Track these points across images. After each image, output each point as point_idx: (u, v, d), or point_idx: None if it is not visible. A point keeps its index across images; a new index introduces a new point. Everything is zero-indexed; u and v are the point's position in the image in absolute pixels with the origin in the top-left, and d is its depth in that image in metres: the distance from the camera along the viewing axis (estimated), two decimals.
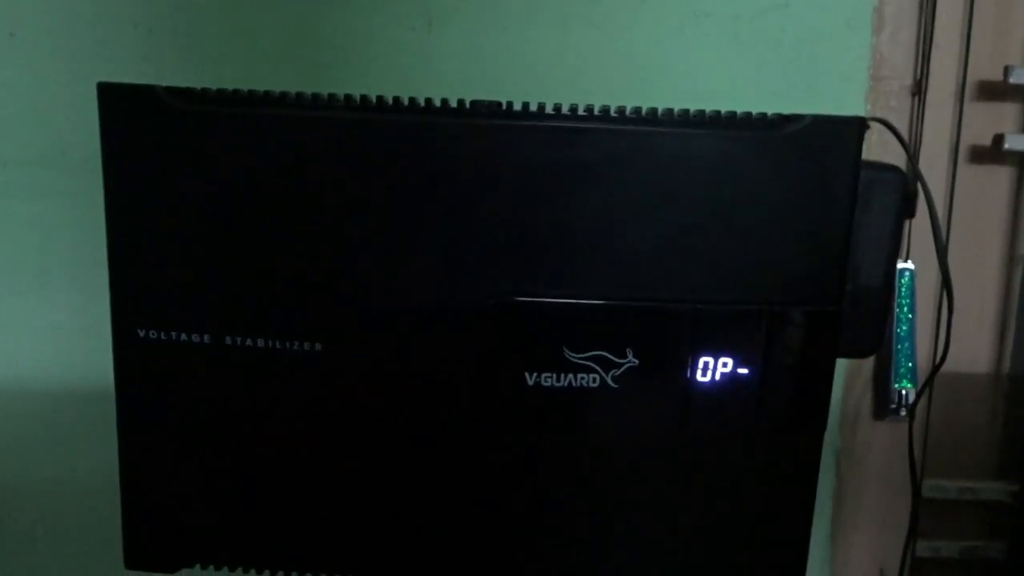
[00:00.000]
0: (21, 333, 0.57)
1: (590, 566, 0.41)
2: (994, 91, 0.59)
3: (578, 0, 0.54)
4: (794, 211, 0.37)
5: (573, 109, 0.36)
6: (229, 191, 0.37)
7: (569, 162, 0.36)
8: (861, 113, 0.36)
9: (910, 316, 0.56)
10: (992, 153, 0.59)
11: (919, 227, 0.55)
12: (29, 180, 0.56)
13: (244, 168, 0.36)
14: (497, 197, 0.37)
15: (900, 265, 0.56)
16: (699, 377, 0.38)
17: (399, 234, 0.37)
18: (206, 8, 0.54)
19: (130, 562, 0.41)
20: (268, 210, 0.37)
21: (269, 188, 0.37)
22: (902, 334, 0.56)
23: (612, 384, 0.38)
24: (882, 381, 0.60)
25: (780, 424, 0.39)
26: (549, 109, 0.36)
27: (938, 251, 0.45)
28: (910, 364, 0.57)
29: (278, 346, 0.38)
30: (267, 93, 0.36)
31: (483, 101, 0.36)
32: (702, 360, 0.38)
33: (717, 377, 0.39)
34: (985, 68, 0.58)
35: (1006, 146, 0.57)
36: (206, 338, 0.38)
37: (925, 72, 0.56)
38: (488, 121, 0.36)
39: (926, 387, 0.54)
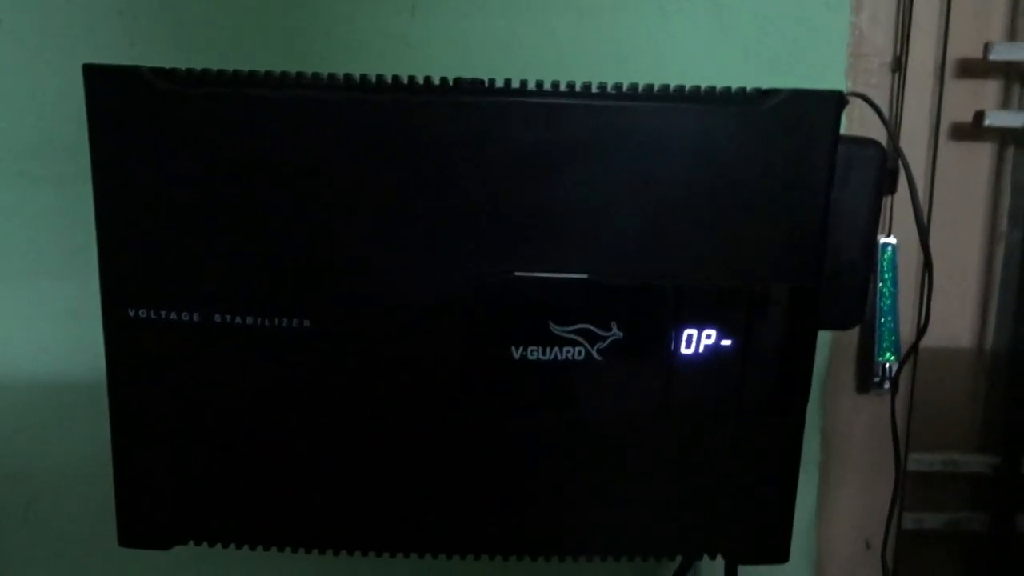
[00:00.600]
0: (11, 319, 0.58)
1: (576, 537, 0.42)
2: (974, 68, 0.59)
3: None
4: (773, 185, 0.38)
5: (555, 86, 0.37)
6: (215, 170, 0.37)
7: (551, 138, 0.37)
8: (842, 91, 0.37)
9: (893, 290, 0.56)
10: (973, 130, 0.60)
11: (902, 202, 0.55)
12: (16, 167, 0.56)
13: (230, 147, 0.37)
14: (482, 174, 0.37)
15: (883, 240, 0.56)
16: (683, 350, 0.39)
17: (385, 211, 0.37)
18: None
19: (124, 540, 0.41)
20: (255, 188, 0.37)
21: (255, 167, 0.37)
22: (885, 308, 0.56)
23: (597, 357, 0.39)
24: (865, 355, 0.61)
25: (763, 397, 0.40)
26: (531, 86, 0.37)
27: (918, 225, 0.45)
28: (893, 337, 0.57)
29: (267, 323, 0.38)
30: (252, 73, 0.37)
31: (467, 79, 0.36)
32: (685, 333, 0.39)
33: (701, 350, 0.39)
34: (965, 45, 0.58)
35: (986, 123, 0.58)
36: (195, 316, 0.38)
37: (905, 49, 0.56)
38: (471, 98, 0.37)
39: (908, 357, 0.55)
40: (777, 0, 0.55)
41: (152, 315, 0.38)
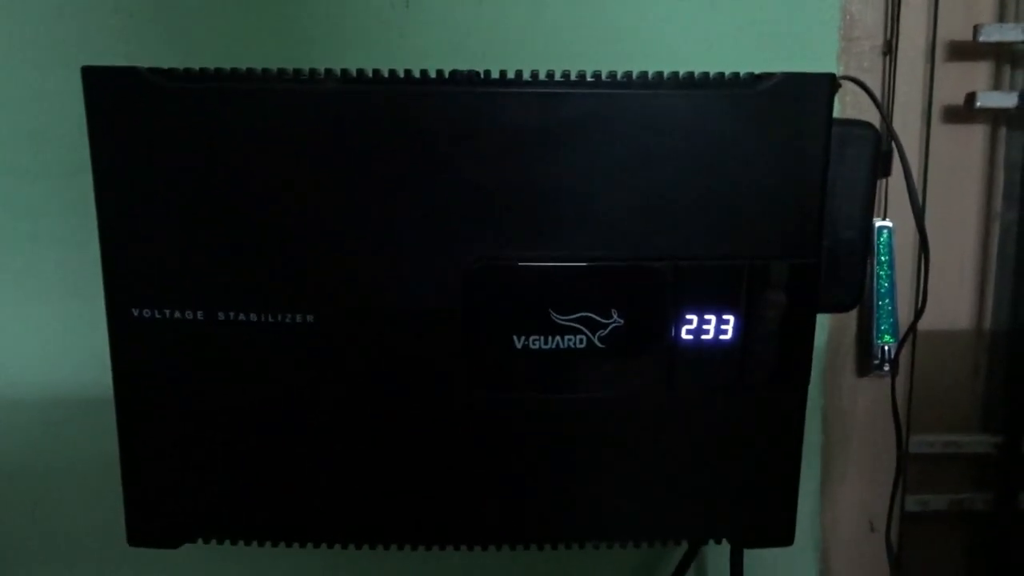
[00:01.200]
0: (16, 320, 0.58)
1: (580, 525, 0.42)
2: (964, 51, 0.60)
3: None
4: (769, 167, 0.38)
5: (550, 75, 0.37)
6: (214, 167, 0.37)
7: (547, 127, 0.37)
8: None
9: (890, 272, 0.57)
10: (965, 112, 0.60)
11: (896, 186, 0.56)
12: (15, 169, 0.56)
13: (228, 144, 0.37)
14: (479, 164, 0.37)
15: (878, 223, 0.57)
16: (683, 334, 0.39)
17: (384, 203, 0.38)
18: None
19: (133, 539, 0.42)
20: (255, 184, 0.37)
21: (254, 162, 0.37)
22: (883, 291, 0.57)
23: (599, 344, 0.39)
24: (864, 338, 0.61)
25: (764, 378, 0.40)
26: (526, 76, 0.37)
27: (913, 206, 0.46)
28: (891, 320, 0.58)
29: (270, 319, 0.38)
30: (249, 70, 0.37)
31: (462, 71, 0.37)
32: (686, 317, 0.39)
33: (701, 333, 0.40)
34: (955, 27, 0.59)
35: (978, 104, 0.58)
36: (199, 314, 0.39)
37: (895, 32, 0.56)
38: (467, 89, 0.37)
39: (907, 337, 0.56)
40: None
41: (156, 314, 0.39)
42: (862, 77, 0.50)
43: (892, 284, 0.57)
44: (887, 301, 0.57)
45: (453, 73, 0.37)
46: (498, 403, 0.40)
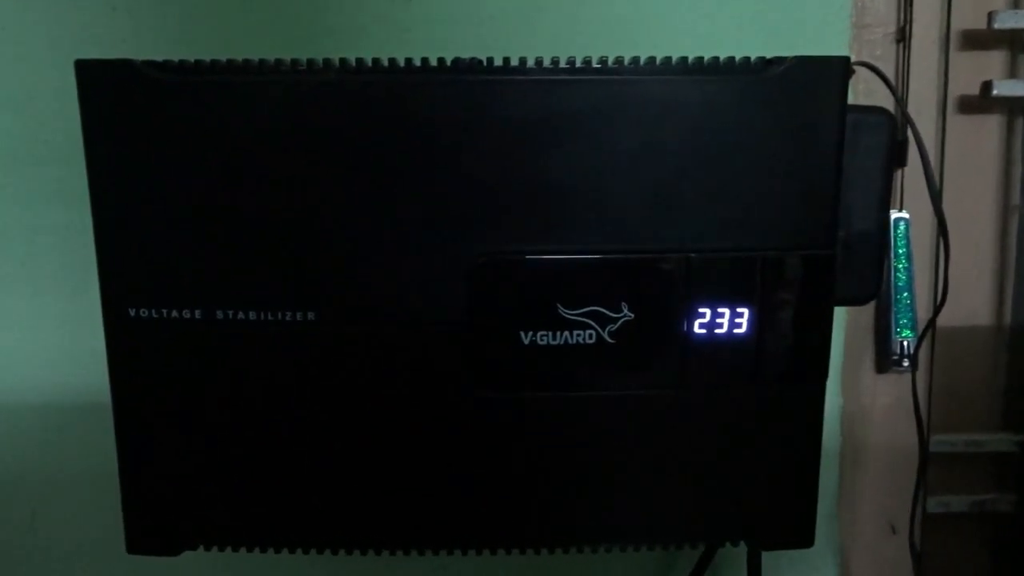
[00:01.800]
0: (13, 325, 0.57)
1: (592, 528, 0.41)
2: (979, 39, 0.58)
3: None
4: (782, 154, 0.37)
5: (555, 62, 0.36)
6: (211, 161, 0.36)
7: (554, 116, 0.36)
8: None
9: (907, 265, 0.55)
10: (981, 101, 0.59)
11: (912, 178, 0.54)
12: (13, 169, 0.56)
13: (225, 137, 0.36)
14: (483, 155, 0.36)
15: (895, 214, 0.55)
16: (696, 328, 0.38)
17: (387, 197, 0.37)
18: None
19: (132, 547, 0.41)
20: (252, 179, 0.36)
21: (251, 156, 0.36)
22: (900, 284, 0.55)
23: (609, 339, 0.38)
24: (883, 334, 0.59)
25: (781, 372, 0.39)
26: (530, 63, 0.36)
27: (931, 192, 0.44)
28: (910, 314, 0.56)
29: (270, 317, 0.37)
30: (245, 61, 0.36)
31: (464, 58, 0.36)
32: (698, 310, 0.38)
33: (714, 327, 0.38)
34: (968, 15, 0.58)
35: (994, 92, 0.57)
36: (197, 313, 0.38)
37: (908, 19, 0.55)
38: (470, 77, 0.36)
39: (927, 332, 0.54)
40: None
41: (153, 314, 0.38)
42: (875, 65, 0.49)
43: (910, 277, 0.55)
44: (905, 295, 0.55)
45: (455, 61, 0.36)
46: (506, 402, 0.39)
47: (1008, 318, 0.63)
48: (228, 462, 0.40)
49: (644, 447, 0.40)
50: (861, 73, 0.53)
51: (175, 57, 0.36)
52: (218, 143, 0.36)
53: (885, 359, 0.60)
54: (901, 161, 0.51)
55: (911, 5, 0.55)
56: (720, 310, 0.38)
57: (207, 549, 0.41)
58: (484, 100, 0.36)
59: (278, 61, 0.36)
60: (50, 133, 0.54)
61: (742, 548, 0.42)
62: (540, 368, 0.38)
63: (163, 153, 0.36)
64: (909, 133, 0.45)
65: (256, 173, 0.36)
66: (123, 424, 0.39)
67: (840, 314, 0.60)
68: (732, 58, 0.36)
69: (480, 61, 0.36)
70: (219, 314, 0.37)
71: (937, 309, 0.45)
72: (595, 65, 0.36)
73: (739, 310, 0.38)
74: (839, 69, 0.37)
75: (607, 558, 0.59)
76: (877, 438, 0.63)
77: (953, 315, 0.61)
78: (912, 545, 0.58)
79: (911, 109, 0.56)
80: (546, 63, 0.36)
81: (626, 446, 0.40)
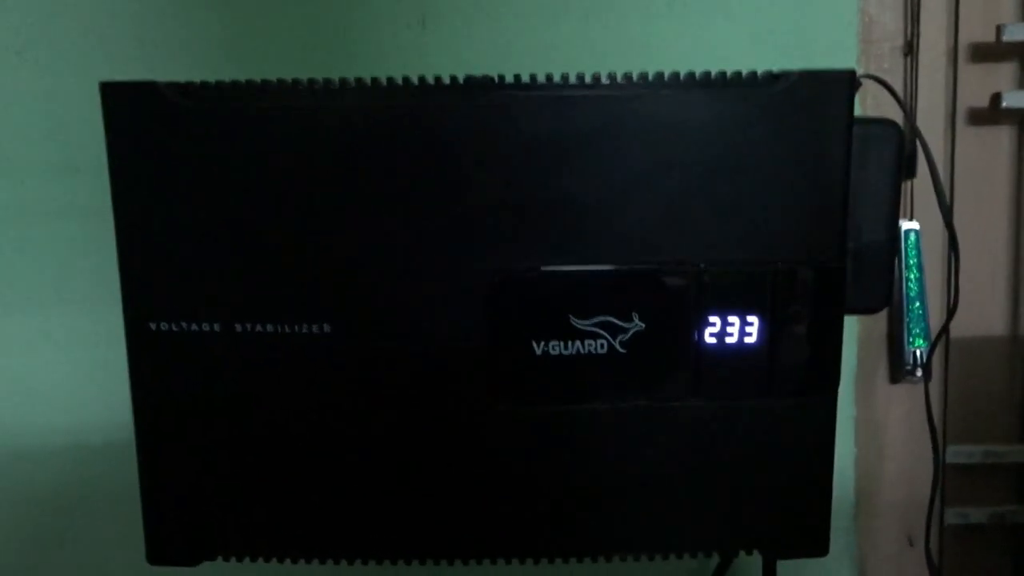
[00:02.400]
0: (42, 348, 0.58)
1: (607, 538, 0.41)
2: (988, 52, 0.59)
3: None
4: (791, 166, 0.37)
5: (564, 78, 0.37)
6: (230, 179, 0.37)
7: (564, 131, 0.37)
8: None
9: (919, 275, 0.55)
10: (990, 113, 0.59)
11: (923, 189, 0.55)
12: (45, 196, 0.57)
13: (245, 156, 0.37)
14: (495, 170, 0.37)
15: (906, 225, 0.55)
16: (707, 339, 0.38)
17: (401, 212, 0.37)
18: (206, 20, 0.55)
19: (152, 558, 0.41)
20: (271, 196, 0.37)
21: (270, 175, 0.37)
22: (912, 294, 0.55)
23: (620, 350, 0.38)
24: (896, 345, 0.59)
25: (793, 382, 0.39)
26: (541, 79, 0.37)
27: (940, 204, 0.45)
28: (923, 324, 0.56)
29: (287, 330, 0.38)
30: (264, 82, 0.37)
31: (476, 76, 0.37)
32: (709, 321, 0.38)
33: (725, 337, 0.39)
34: (976, 28, 0.58)
35: (1004, 104, 0.57)
36: (216, 326, 0.38)
37: (916, 33, 0.56)
38: (483, 95, 0.37)
39: (939, 339, 0.54)
40: None
41: (173, 327, 0.39)
42: (883, 78, 0.50)
43: (922, 287, 0.55)
44: (917, 305, 0.55)
45: (468, 79, 0.37)
46: (520, 414, 0.39)
47: (1023, 329, 0.62)
48: (247, 473, 0.40)
49: (656, 457, 0.40)
50: (869, 86, 0.54)
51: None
52: (238, 162, 0.37)
53: (899, 370, 0.60)
54: (910, 173, 0.52)
55: (918, 19, 0.56)
56: (731, 320, 0.38)
57: (226, 560, 0.41)
58: (497, 117, 0.37)
59: (295, 81, 0.37)
60: (81, 161, 0.56)
61: (758, 559, 0.42)
62: (552, 379, 0.38)
63: (184, 172, 0.37)
64: (918, 145, 0.46)
65: (275, 191, 0.37)
66: (144, 436, 0.40)
67: (853, 325, 0.60)
68: (739, 73, 0.37)
69: (492, 79, 0.37)
70: (238, 327, 0.38)
71: (948, 318, 0.45)
72: (604, 81, 0.37)
73: (750, 320, 0.38)
74: (845, 81, 0.37)
75: (621, 568, 0.59)
76: (892, 449, 0.62)
77: (968, 325, 0.61)
78: (928, 557, 0.58)
79: (920, 121, 0.57)
80: (556, 79, 0.37)
81: (638, 456, 0.40)
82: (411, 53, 0.55)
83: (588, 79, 0.36)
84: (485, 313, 0.38)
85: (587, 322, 0.38)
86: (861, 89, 0.53)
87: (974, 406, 0.62)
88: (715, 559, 0.58)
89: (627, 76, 0.37)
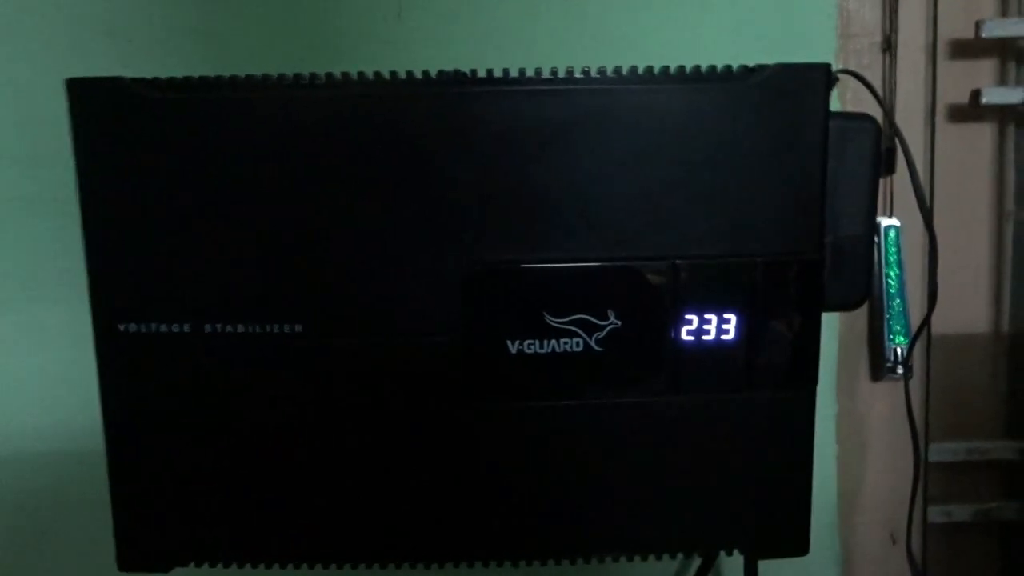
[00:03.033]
0: (13, 344, 0.57)
1: (585, 539, 0.40)
2: (967, 48, 0.59)
3: None
4: (767, 160, 0.37)
5: (538, 72, 0.36)
6: (198, 176, 0.37)
7: (539, 125, 0.36)
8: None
9: (899, 272, 0.55)
10: (971, 110, 0.59)
11: (902, 186, 0.55)
12: (10, 192, 0.56)
13: (212, 153, 0.37)
14: (469, 165, 0.37)
15: (885, 222, 0.55)
16: (684, 335, 0.38)
17: (373, 208, 0.37)
18: (178, 12, 0.54)
19: (123, 564, 0.40)
20: (240, 193, 0.37)
21: (238, 171, 0.37)
22: (892, 291, 0.55)
23: (596, 348, 0.38)
24: (877, 342, 0.59)
25: (770, 377, 0.39)
26: (514, 74, 0.36)
27: (918, 200, 0.44)
28: (904, 320, 0.56)
29: (258, 330, 0.38)
30: (232, 77, 0.36)
31: (450, 71, 0.36)
32: (686, 317, 0.38)
33: (702, 334, 0.38)
34: (956, 24, 0.58)
35: (984, 100, 0.57)
36: (185, 327, 0.38)
37: (894, 28, 0.56)
38: (456, 89, 0.36)
39: (919, 334, 0.54)
40: None
41: (142, 328, 0.38)
42: (861, 74, 0.49)
43: (902, 284, 0.55)
44: (898, 302, 0.55)
45: (441, 73, 0.36)
46: (495, 412, 0.39)
47: (1006, 324, 0.62)
48: (218, 476, 0.39)
49: (634, 455, 0.39)
50: (848, 82, 0.53)
51: (170, 74, 0.37)
52: (206, 159, 0.37)
53: (880, 367, 0.59)
54: (889, 168, 0.51)
55: (896, 14, 0.55)
56: (707, 316, 0.38)
57: (198, 565, 0.40)
58: (471, 111, 0.36)
59: (265, 76, 0.36)
60: (49, 158, 0.55)
61: (739, 559, 0.42)
62: (528, 377, 0.38)
63: (152, 169, 0.37)
64: (896, 141, 0.45)
65: (243, 188, 0.37)
66: (113, 439, 0.39)
67: (834, 323, 0.60)
68: (714, 67, 0.37)
69: (465, 73, 0.36)
70: (207, 327, 0.38)
71: (928, 314, 0.45)
72: (578, 75, 0.36)
73: (726, 316, 0.38)
74: (820, 75, 0.37)
75: (600, 569, 0.59)
76: (875, 447, 0.62)
77: (950, 322, 0.61)
78: (910, 555, 0.57)
79: (900, 118, 0.57)
80: (529, 74, 0.36)
81: (616, 455, 0.39)
82: (386, 46, 0.54)
83: (562, 74, 0.36)
84: (460, 312, 0.37)
85: (562, 320, 0.38)
86: (840, 85, 0.53)
87: (956, 402, 0.62)
88: (696, 560, 0.57)
89: (601, 71, 0.36)
